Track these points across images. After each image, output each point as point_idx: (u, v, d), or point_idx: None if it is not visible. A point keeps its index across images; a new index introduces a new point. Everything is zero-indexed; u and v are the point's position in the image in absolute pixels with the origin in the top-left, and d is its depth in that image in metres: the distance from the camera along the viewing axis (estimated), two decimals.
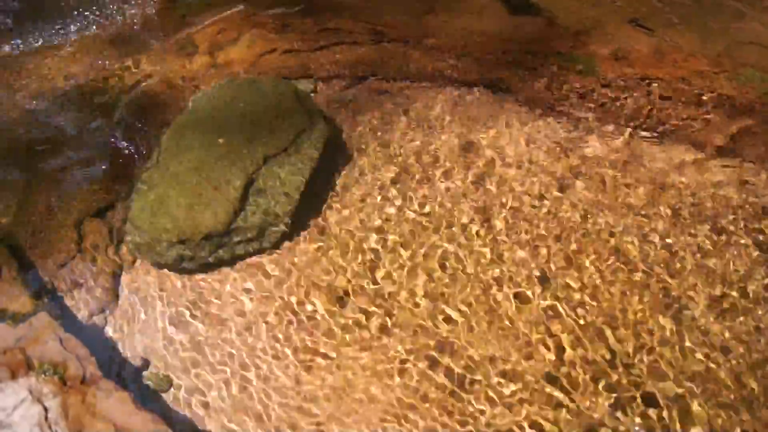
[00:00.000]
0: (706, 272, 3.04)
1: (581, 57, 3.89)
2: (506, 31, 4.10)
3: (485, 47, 4.05)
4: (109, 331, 3.05)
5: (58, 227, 3.41)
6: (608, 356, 2.80)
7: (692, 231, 3.19)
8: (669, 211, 3.27)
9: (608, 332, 2.87)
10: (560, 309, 2.96)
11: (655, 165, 3.43)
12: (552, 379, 2.76)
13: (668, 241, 3.16)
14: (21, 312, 2.95)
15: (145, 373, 2.90)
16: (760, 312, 2.90)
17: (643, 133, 3.58)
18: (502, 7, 4.24)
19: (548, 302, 2.99)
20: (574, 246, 3.18)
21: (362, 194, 3.49)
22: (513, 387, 2.74)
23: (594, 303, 2.97)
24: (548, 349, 2.85)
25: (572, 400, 2.69)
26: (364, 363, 2.88)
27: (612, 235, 3.21)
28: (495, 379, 2.77)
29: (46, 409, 2.49)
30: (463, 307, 3.02)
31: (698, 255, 3.10)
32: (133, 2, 4.95)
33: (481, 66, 3.98)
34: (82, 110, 4.13)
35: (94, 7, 4.95)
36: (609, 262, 3.11)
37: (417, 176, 3.54)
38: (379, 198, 3.46)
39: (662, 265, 3.09)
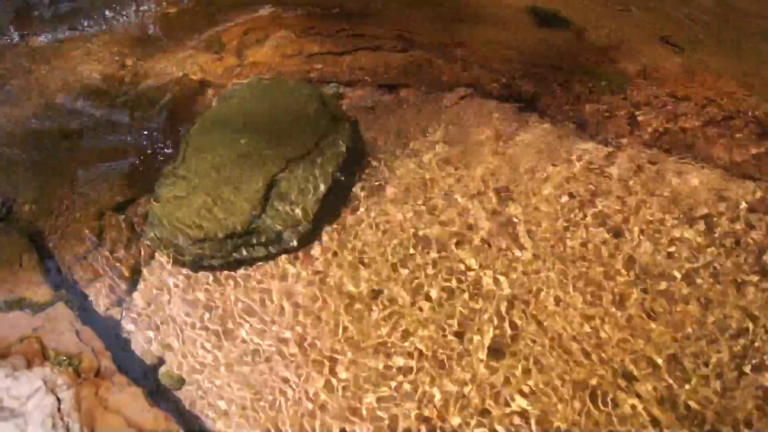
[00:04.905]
0: (734, 289, 2.98)
1: (609, 73, 3.86)
2: (534, 44, 4.09)
3: (512, 59, 4.03)
4: (125, 325, 3.05)
5: (79, 219, 3.44)
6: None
7: (720, 254, 3.13)
8: (694, 232, 3.22)
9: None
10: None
11: (681, 185, 3.38)
12: None
13: (694, 264, 3.11)
14: (39, 301, 2.98)
15: (159, 370, 2.89)
16: None
17: (670, 153, 3.53)
18: (531, 19, 4.24)
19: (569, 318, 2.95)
20: (598, 269, 3.14)
21: (383, 201, 3.47)
22: None
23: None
24: None
25: None
26: (378, 367, 2.86)
27: (634, 254, 3.16)
28: None
29: (59, 400, 2.50)
30: (481, 318, 2.99)
31: (723, 278, 3.04)
32: (162, 1, 4.99)
33: (507, 78, 3.96)
34: (107, 104, 4.17)
35: (121, 3, 5.01)
36: (625, 279, 3.07)
37: (438, 185, 3.52)
38: (400, 205, 3.44)
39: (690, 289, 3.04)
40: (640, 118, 3.68)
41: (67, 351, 2.71)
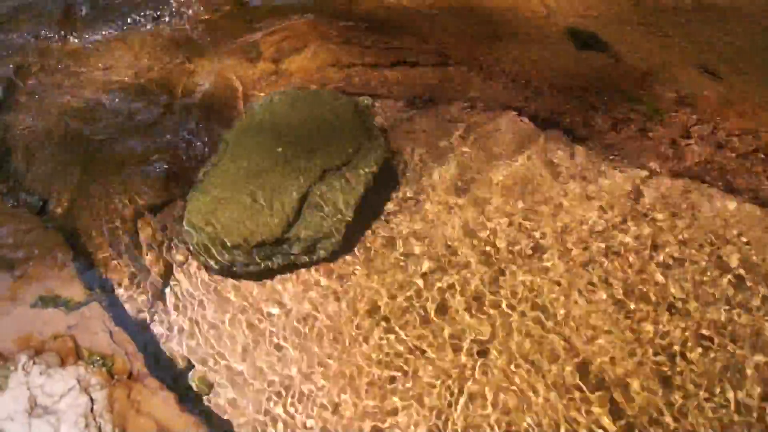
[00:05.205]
0: (756, 332, 2.95)
1: (646, 99, 3.85)
2: (571, 65, 4.08)
3: (549, 80, 4.03)
4: (155, 328, 3.08)
5: (113, 219, 3.48)
6: None
7: (747, 290, 3.10)
8: (726, 266, 3.19)
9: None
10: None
11: (714, 217, 3.36)
12: None
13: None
14: (73, 300, 3.02)
15: (188, 374, 2.92)
16: None
17: (705, 183, 3.50)
18: (569, 41, 4.23)
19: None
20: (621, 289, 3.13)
21: (415, 216, 3.48)
22: None
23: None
24: None
25: None
26: (405, 385, 2.87)
27: (664, 283, 3.14)
28: None
29: (92, 401, 2.54)
30: (527, 345, 2.99)
31: (755, 314, 3.02)
32: (200, 3, 5.05)
33: (543, 98, 3.95)
34: (145, 106, 4.22)
35: (162, 6, 5.07)
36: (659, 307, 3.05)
37: (471, 202, 3.52)
38: (431, 221, 3.45)
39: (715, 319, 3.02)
40: (676, 146, 3.65)
41: (100, 351, 2.74)
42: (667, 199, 3.46)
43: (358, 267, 3.30)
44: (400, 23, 4.50)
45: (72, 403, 2.51)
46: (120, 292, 3.15)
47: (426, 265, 3.29)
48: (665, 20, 4.29)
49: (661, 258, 3.24)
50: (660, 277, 3.17)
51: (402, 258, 3.33)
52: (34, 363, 2.66)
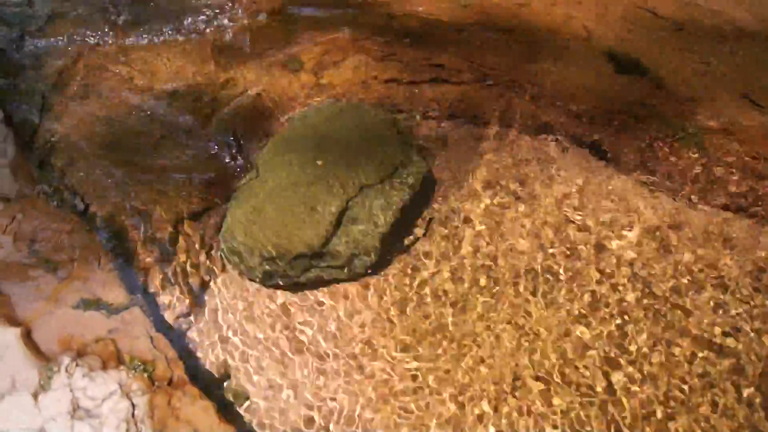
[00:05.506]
0: None
1: (687, 126, 3.83)
2: (612, 89, 4.08)
3: (588, 103, 4.03)
4: (191, 336, 3.12)
5: (154, 225, 3.52)
6: None
7: None
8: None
9: None
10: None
11: (756, 250, 3.33)
12: None
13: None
14: (115, 304, 3.05)
15: (224, 384, 2.94)
16: None
17: (746, 214, 3.47)
18: (610, 64, 4.23)
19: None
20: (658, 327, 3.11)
21: (451, 234, 3.49)
22: None
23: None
24: None
25: None
26: (437, 410, 2.87)
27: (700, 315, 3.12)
28: None
29: (133, 406, 2.57)
30: (546, 363, 2.98)
31: None
32: (242, 13, 5.11)
33: (581, 121, 3.95)
34: (186, 112, 4.27)
35: (204, 14, 5.14)
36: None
37: (507, 224, 3.53)
38: (468, 241, 3.46)
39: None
40: (716, 176, 3.63)
41: (141, 356, 2.78)
42: (705, 229, 3.44)
43: (393, 283, 3.31)
44: (440, 39, 4.52)
45: (114, 408, 2.55)
46: (160, 297, 3.19)
47: (462, 286, 3.29)
48: (708, 47, 4.27)
49: (699, 290, 3.21)
50: (694, 309, 3.15)
51: (436, 277, 3.33)
52: (77, 365, 2.70)
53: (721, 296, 3.17)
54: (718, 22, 4.45)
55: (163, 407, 2.57)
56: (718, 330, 3.07)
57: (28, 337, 2.87)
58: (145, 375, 2.69)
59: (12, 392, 2.64)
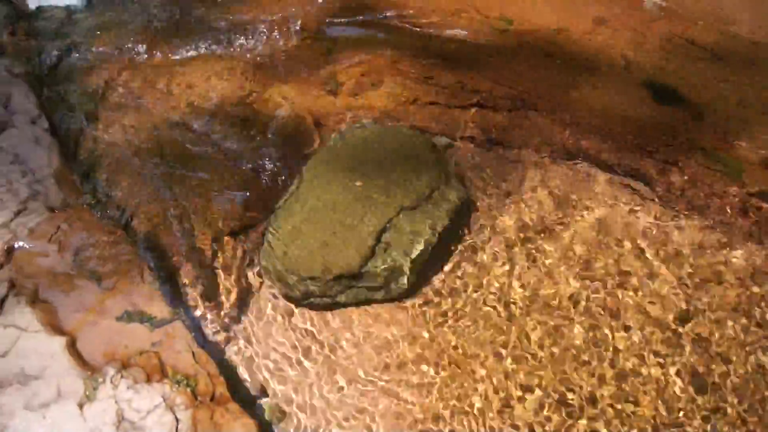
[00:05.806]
0: None
1: (727, 158, 3.82)
2: (650, 118, 4.08)
3: (626, 132, 4.04)
4: (229, 352, 3.17)
5: (195, 241, 3.60)
6: None
7: None
8: None
9: None
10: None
11: None
12: None
13: None
14: (157, 317, 3.12)
15: (260, 401, 2.98)
16: None
17: None
18: (647, 93, 4.24)
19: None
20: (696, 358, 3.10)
21: (488, 261, 3.51)
22: None
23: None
24: None
25: None
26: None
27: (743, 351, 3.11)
28: None
29: (177, 420, 2.62)
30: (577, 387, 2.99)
31: None
32: (281, 32, 5.21)
33: (619, 150, 3.96)
34: (225, 128, 4.36)
35: (242, 31, 5.24)
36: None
37: (540, 252, 3.54)
38: (504, 267, 3.48)
39: None
40: (755, 211, 3.61)
41: (184, 371, 2.83)
42: (746, 263, 3.42)
43: (429, 306, 3.34)
44: (478, 64, 4.57)
45: (158, 421, 2.60)
46: (200, 313, 3.25)
47: (497, 309, 3.31)
48: (747, 79, 4.26)
49: (731, 325, 3.20)
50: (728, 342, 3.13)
51: (472, 301, 3.35)
52: (122, 377, 2.76)
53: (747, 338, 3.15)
54: (758, 54, 4.45)
55: (205, 423, 2.62)
56: None
57: (72, 347, 2.95)
58: (188, 390, 2.74)
59: (58, 401, 2.71)
